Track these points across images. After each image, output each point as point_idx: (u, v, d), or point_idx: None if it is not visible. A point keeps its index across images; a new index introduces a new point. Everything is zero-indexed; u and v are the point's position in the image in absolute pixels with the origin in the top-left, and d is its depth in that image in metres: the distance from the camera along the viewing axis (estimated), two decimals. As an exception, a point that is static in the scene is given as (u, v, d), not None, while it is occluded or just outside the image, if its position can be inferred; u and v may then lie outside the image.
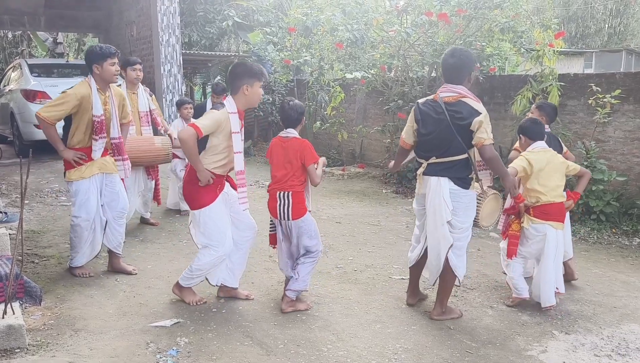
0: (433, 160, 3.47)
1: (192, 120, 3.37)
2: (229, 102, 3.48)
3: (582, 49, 22.28)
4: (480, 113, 3.30)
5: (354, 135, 9.61)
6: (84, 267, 4.22)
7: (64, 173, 4.08)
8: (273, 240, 3.80)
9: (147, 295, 3.88)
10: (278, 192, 3.60)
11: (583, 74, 7.06)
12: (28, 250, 4.76)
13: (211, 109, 3.56)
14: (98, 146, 4.07)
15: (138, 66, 5.26)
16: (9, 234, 5.45)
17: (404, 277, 4.38)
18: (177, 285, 3.72)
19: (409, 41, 7.45)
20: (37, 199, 6.51)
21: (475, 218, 3.58)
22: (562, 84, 6.27)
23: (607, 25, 25.50)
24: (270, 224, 3.80)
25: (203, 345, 3.18)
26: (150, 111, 5.42)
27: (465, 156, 3.41)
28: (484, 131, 3.29)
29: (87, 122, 3.98)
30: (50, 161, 8.62)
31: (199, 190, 3.48)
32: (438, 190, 3.41)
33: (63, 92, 3.96)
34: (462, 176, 3.43)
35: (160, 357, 3.02)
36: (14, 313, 2.77)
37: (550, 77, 6.27)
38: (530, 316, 3.72)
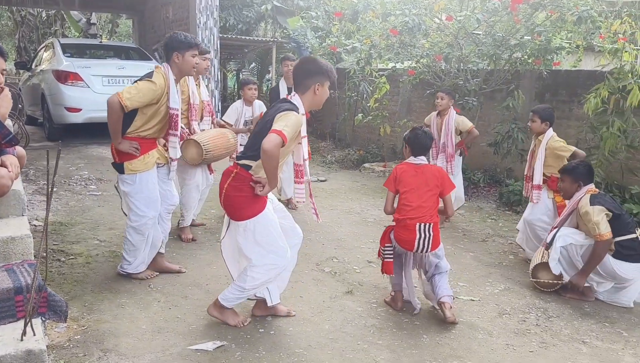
0: None
1: (275, 125, 2.78)
2: (298, 102, 3.01)
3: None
4: None
5: (398, 129, 9.02)
6: (147, 270, 3.83)
7: (119, 165, 3.53)
8: (388, 269, 3.51)
9: (184, 307, 3.42)
10: (418, 224, 3.38)
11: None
12: (54, 245, 4.36)
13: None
14: (174, 143, 3.69)
15: (209, 56, 4.88)
16: (35, 225, 5.10)
17: (473, 299, 3.83)
18: (217, 307, 3.15)
19: (466, 29, 6.83)
20: (66, 187, 6.13)
21: None
22: (645, 82, 5.58)
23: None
24: (387, 250, 3.51)
25: (251, 376, 2.71)
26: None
27: None
28: None
29: (163, 116, 3.55)
30: (80, 146, 8.27)
31: (251, 199, 2.96)
32: None
33: (144, 80, 3.43)
34: None
35: (203, 391, 2.56)
36: (34, 335, 2.32)
37: (631, 75, 5.59)
38: (633, 356, 3.14)
